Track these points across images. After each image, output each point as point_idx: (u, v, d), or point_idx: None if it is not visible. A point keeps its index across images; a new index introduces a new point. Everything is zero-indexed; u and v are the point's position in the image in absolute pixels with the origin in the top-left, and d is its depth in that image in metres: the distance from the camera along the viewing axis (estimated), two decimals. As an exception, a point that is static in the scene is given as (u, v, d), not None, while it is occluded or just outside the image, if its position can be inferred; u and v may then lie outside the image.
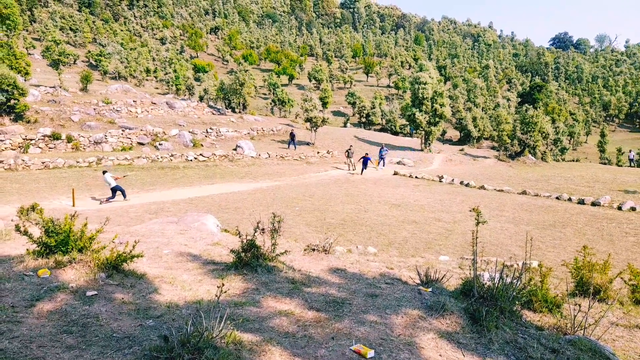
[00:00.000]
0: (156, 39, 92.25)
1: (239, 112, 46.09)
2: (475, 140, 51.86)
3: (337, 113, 66.69)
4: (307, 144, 36.45)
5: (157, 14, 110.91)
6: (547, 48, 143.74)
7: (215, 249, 6.80)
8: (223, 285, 3.37)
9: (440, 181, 25.36)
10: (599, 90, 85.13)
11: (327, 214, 16.17)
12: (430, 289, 4.73)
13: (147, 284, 4.70)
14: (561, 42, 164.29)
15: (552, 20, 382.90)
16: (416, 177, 26.91)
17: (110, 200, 17.28)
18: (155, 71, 63.47)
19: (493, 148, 45.36)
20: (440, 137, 50.24)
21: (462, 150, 42.11)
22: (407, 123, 47.37)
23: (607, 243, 12.97)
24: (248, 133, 36.56)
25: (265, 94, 70.19)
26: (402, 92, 74.53)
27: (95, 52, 59.06)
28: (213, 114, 39.82)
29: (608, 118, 76.99)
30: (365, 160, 27.69)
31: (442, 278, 5.29)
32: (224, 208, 16.47)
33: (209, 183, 22.63)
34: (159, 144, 29.20)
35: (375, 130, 57.43)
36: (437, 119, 37.83)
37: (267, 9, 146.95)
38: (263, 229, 7.74)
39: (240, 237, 5.38)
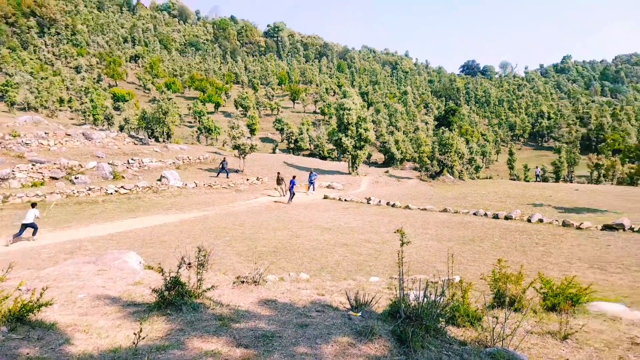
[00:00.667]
0: (70, 67, 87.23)
1: (163, 141, 44.53)
2: (398, 162, 54.27)
3: (265, 139, 66.75)
4: (236, 171, 35.94)
5: (71, 41, 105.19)
6: (458, 74, 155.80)
7: (136, 288, 6.38)
8: (141, 330, 3.15)
9: (368, 203, 26.07)
10: (505, 113, 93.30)
11: (259, 242, 15.91)
12: (359, 314, 4.78)
13: (58, 335, 4.28)
14: (470, 69, 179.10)
15: (461, 49, 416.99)
16: (345, 200, 27.44)
17: (17, 237, 15.70)
18: (70, 101, 59.82)
19: (415, 169, 47.67)
20: (366, 160, 52.00)
21: (387, 172, 43.79)
22: (335, 147, 48.48)
23: (520, 254, 13.99)
24: (173, 162, 35.32)
25: (190, 122, 68.62)
26: (328, 118, 76.46)
27: (1, 82, 54.51)
28: (135, 144, 38.07)
29: (514, 137, 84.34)
30: (292, 184, 27.72)
31: (372, 301, 5.37)
32: (148, 243, 15.61)
33: (132, 217, 21.39)
34: (75, 178, 27.24)
35: (304, 155, 58.13)
36: (362, 143, 39.15)
37: (189, 37, 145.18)
38: (189, 264, 7.42)
39: (163, 274, 5.10)
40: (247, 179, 34.12)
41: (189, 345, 3.93)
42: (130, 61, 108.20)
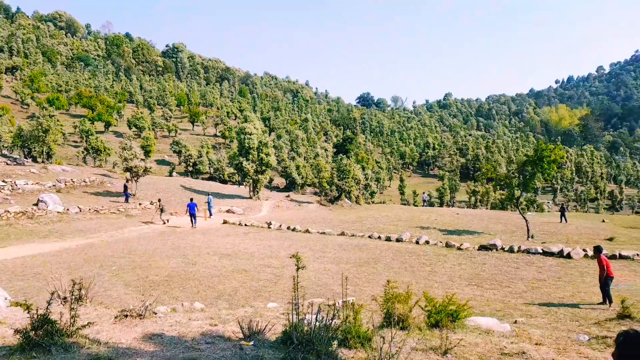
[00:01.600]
0: None
1: (42, 161, 40.14)
2: (299, 187, 55.12)
3: (161, 162, 63.53)
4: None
5: None
6: (354, 105, 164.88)
7: (-3, 329, 5.54)
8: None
9: (269, 227, 25.95)
10: (396, 142, 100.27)
11: (151, 270, 14.89)
12: (252, 343, 4.67)
13: None
14: (365, 100, 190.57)
15: (357, 81, 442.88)
16: (245, 224, 27.00)
17: None
18: None
19: (315, 193, 48.77)
20: (267, 184, 51.96)
21: (288, 196, 44.17)
22: (236, 171, 47.81)
23: (409, 274, 14.90)
24: (54, 185, 31.90)
25: (76, 142, 62.93)
26: (229, 142, 75.40)
27: None
28: (8, 164, 33.77)
29: (405, 165, 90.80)
30: (192, 207, 26.06)
31: (265, 328, 5.29)
32: (19, 275, 13.75)
33: (0, 247, 18.74)
34: None
35: (203, 179, 56.31)
36: (263, 168, 39.13)
37: (78, 52, 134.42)
38: (65, 298, 6.67)
39: (30, 311, 4.49)
40: (140, 204, 31.99)
41: (56, 392, 3.48)
42: (6, 73, 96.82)
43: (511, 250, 18.69)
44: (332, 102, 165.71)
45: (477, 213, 37.24)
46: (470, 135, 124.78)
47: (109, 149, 52.76)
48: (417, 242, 21.09)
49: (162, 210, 27.24)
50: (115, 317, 6.00)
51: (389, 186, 74.31)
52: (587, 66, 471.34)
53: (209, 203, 30.24)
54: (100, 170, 42.63)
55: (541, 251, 18.03)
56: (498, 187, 29.50)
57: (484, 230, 25.72)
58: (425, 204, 53.27)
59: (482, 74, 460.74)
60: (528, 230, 23.19)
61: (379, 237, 22.58)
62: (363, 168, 52.57)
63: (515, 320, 8.88)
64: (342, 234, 23.88)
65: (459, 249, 19.61)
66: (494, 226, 27.50)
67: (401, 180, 68.04)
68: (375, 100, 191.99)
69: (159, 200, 28.68)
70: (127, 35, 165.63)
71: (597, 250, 11.46)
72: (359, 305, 6.18)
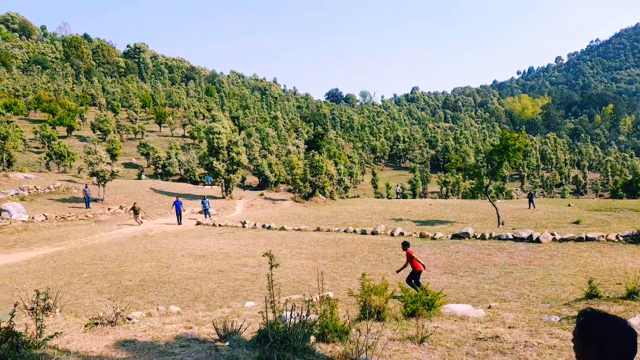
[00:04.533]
0: None
1: (3, 169, 38.48)
2: (273, 185, 54.79)
3: (129, 165, 61.95)
4: (96, 200, 32.56)
5: None
6: (324, 101, 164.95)
7: (-42, 347, 5.26)
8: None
9: (244, 227, 25.71)
10: (367, 137, 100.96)
11: (124, 276, 14.52)
12: (227, 343, 4.59)
13: None
14: (334, 96, 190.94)
15: (325, 78, 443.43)
16: (219, 225, 26.67)
17: None
18: None
19: (289, 191, 48.58)
20: (240, 183, 51.45)
21: (262, 194, 43.84)
22: (207, 172, 47.11)
23: (386, 266, 15.05)
24: (17, 194, 30.69)
25: (37, 148, 60.59)
26: (198, 142, 74.09)
27: None
28: (-38, 174, 32.22)
29: (376, 159, 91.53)
30: (177, 206, 27.60)
31: (241, 328, 5.22)
32: (-20, 289, 13.15)
33: (-42, 260, 17.88)
34: None
35: (173, 180, 55.26)
36: (235, 167, 38.71)
37: (34, 55, 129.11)
38: (32, 309, 6.40)
39: (-8, 325, 4.29)
40: (109, 208, 31.15)
41: (24, 407, 3.33)
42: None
43: (483, 237, 19.14)
44: (301, 99, 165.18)
45: (449, 203, 37.98)
46: (438, 127, 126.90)
47: (73, 154, 50.98)
48: (392, 234, 21.32)
49: (135, 212, 27.01)
50: (86, 326, 5.79)
51: (362, 180, 74.79)
52: (546, 57, 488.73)
53: (205, 205, 29.78)
54: (65, 177, 41.22)
55: (512, 237, 18.54)
56: (467, 176, 30.12)
57: (456, 219, 26.24)
58: (398, 196, 53.92)
59: (448, 67, 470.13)
60: (498, 217, 23.80)
61: (355, 231, 22.71)
62: (335, 163, 52.72)
63: (490, 306, 9.09)
64: (318, 229, 23.90)
65: (432, 238, 19.94)
66: (465, 215, 28.09)
67: (374, 174, 68.59)
68: (344, 96, 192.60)
69: (135, 204, 28.11)
70: (86, 36, 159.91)
71: (405, 245, 11.55)
72: (335, 299, 6.19)
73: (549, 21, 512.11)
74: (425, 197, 57.68)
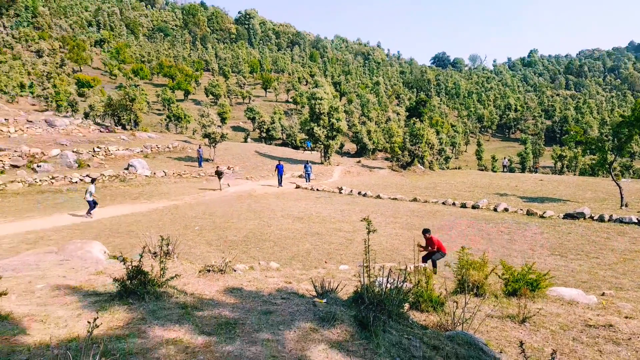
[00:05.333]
0: (31, 51, 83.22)
1: (131, 129, 43.32)
2: (370, 152, 54.63)
3: (236, 128, 65.91)
4: (207, 160, 35.41)
5: (32, 24, 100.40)
6: (429, 66, 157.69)
7: (99, 278, 6.21)
8: (96, 319, 3.06)
9: (340, 192, 26.19)
10: (474, 105, 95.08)
11: (229, 231, 15.78)
12: (324, 300, 4.81)
13: (13, 325, 4.12)
14: (440, 61, 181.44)
15: (432, 41, 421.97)
16: (317, 189, 27.49)
17: None
18: (31, 86, 57.11)
19: (387, 159, 48.11)
20: (338, 150, 52.12)
21: (359, 162, 44.04)
22: (307, 137, 48.40)
23: (486, 242, 14.37)
24: (141, 151, 34.47)
25: (159, 110, 66.96)
26: (300, 107, 76.07)
27: (-47, 64, 51.57)
28: (101, 131, 36.91)
29: (483, 129, 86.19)
30: (280, 169, 28.63)
31: (337, 288, 5.41)
32: (115, 233, 15.24)
33: (98, 206, 20.82)
34: (37, 166, 26.24)
35: (276, 144, 57.74)
36: (334, 133, 39.19)
37: (158, 23, 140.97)
38: (155, 253, 7.29)
39: (125, 263, 4.98)
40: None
41: (150, 334, 3.85)
42: (95, 46, 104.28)
43: (601, 219, 17.30)
44: (404, 64, 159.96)
45: (564, 179, 34.69)
46: (557, 95, 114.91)
47: (188, 117, 55.61)
48: (495, 210, 20.20)
49: (219, 176, 27.08)
50: (199, 272, 6.47)
51: (465, 151, 71.29)
52: None
53: (307, 169, 30.85)
54: (181, 137, 45.21)
55: (636, 221, 16.50)
56: (588, 151, 27.14)
57: (571, 197, 23.97)
58: (505, 169, 50.61)
59: (573, 27, 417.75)
60: (622, 198, 21.22)
61: (454, 204, 21.92)
62: (437, 132, 50.75)
63: (603, 293, 8.29)
64: (415, 199, 23.49)
65: (541, 217, 18.51)
66: (582, 193, 25.52)
67: (479, 144, 64.86)
68: (452, 60, 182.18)
69: (217, 167, 28.94)
70: (202, 3, 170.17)
71: (426, 231, 10.23)
72: (431, 269, 6.09)
73: None
74: (536, 172, 53.24)
